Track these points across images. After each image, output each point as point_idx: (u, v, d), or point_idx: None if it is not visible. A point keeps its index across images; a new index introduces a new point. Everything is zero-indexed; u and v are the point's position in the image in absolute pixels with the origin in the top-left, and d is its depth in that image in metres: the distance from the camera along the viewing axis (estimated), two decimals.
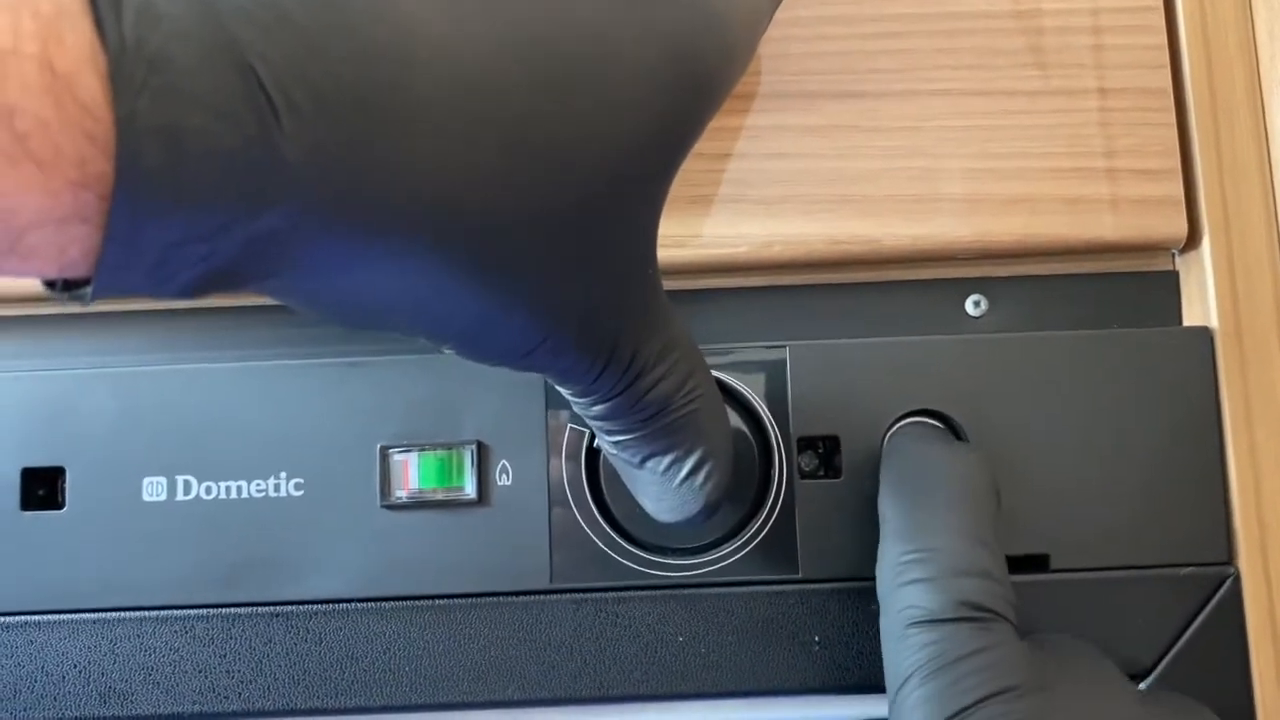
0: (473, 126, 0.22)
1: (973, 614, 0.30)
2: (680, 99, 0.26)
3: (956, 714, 0.29)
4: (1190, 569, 0.35)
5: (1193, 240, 0.37)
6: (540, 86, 0.22)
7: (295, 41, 0.19)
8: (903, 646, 0.30)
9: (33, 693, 0.35)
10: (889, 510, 0.33)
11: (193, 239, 0.20)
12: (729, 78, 0.28)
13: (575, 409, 0.30)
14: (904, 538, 0.31)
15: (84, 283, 0.21)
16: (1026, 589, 0.35)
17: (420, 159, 0.21)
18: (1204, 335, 0.36)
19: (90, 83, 0.18)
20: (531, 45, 0.22)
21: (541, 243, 0.24)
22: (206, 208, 0.19)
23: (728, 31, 0.27)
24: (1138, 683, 0.35)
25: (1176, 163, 0.37)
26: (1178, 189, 0.37)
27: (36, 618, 0.35)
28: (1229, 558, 0.36)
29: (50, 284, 0.22)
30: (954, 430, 0.36)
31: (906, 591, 0.31)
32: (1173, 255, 0.38)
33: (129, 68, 0.18)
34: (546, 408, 0.36)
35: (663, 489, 0.31)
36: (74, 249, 0.20)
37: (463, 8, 0.22)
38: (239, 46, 0.19)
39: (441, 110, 0.21)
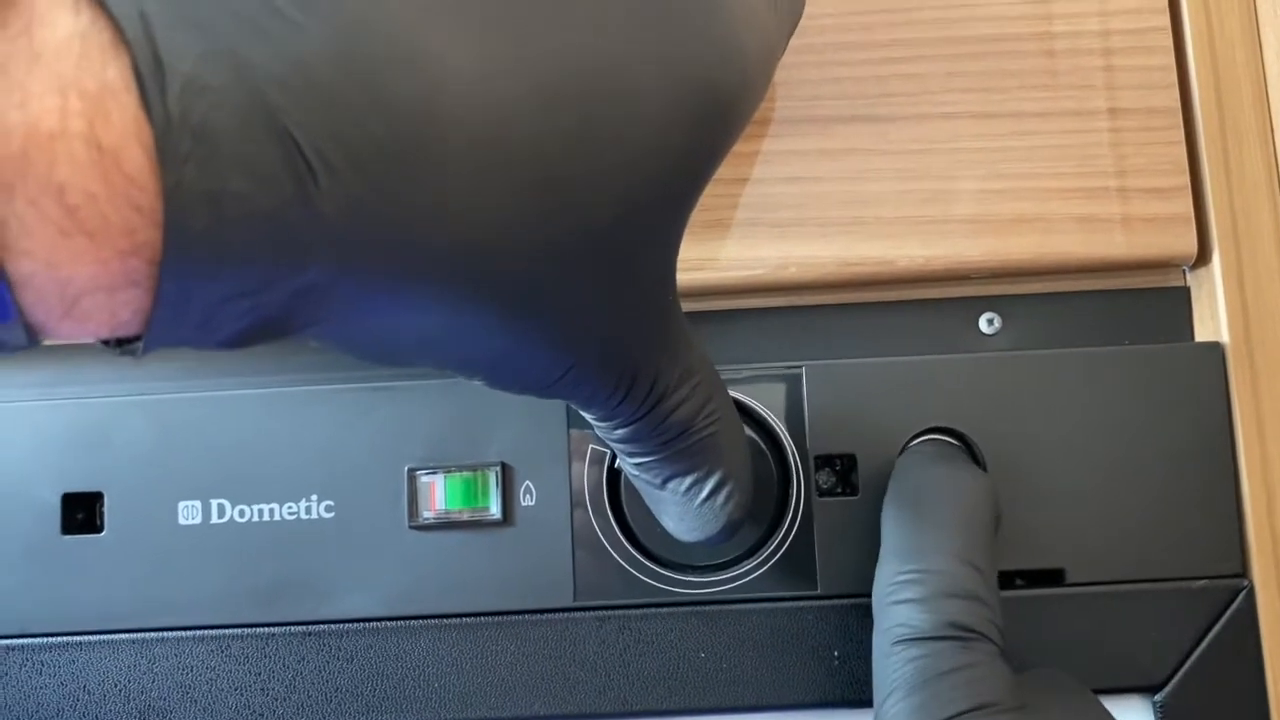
0: (501, 173, 0.22)
1: (958, 634, 0.30)
2: (700, 132, 0.26)
3: None
4: (1204, 582, 0.36)
5: (1203, 256, 0.38)
6: (566, 130, 0.23)
7: (329, 104, 0.20)
8: (889, 662, 0.31)
9: (75, 711, 0.36)
10: (888, 528, 0.33)
11: (237, 296, 0.21)
12: (747, 108, 0.29)
13: (598, 432, 0.31)
14: (899, 557, 0.32)
15: (135, 338, 0.22)
16: (1041, 603, 0.36)
17: (450, 208, 0.22)
18: (1215, 350, 0.37)
19: (135, 155, 0.19)
20: (557, 89, 0.23)
21: (566, 279, 0.25)
22: (250, 267, 0.20)
23: (745, 63, 0.28)
24: (1153, 695, 0.36)
25: (1186, 180, 0.37)
26: (1187, 206, 0.37)
27: (78, 638, 0.36)
28: (1243, 570, 0.36)
29: (104, 341, 0.23)
30: (969, 447, 0.37)
31: (897, 610, 0.31)
32: (1184, 271, 0.39)
33: (175, 140, 0.19)
34: (568, 430, 0.37)
35: (684, 509, 0.32)
36: (125, 311, 0.20)
37: (489, 55, 0.22)
38: (276, 113, 0.19)
39: (470, 160, 0.22)
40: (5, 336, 0.20)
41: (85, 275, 0.19)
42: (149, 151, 0.19)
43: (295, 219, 0.20)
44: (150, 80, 0.18)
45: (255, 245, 0.20)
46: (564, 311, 0.25)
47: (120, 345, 0.22)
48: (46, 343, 0.38)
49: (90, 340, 0.22)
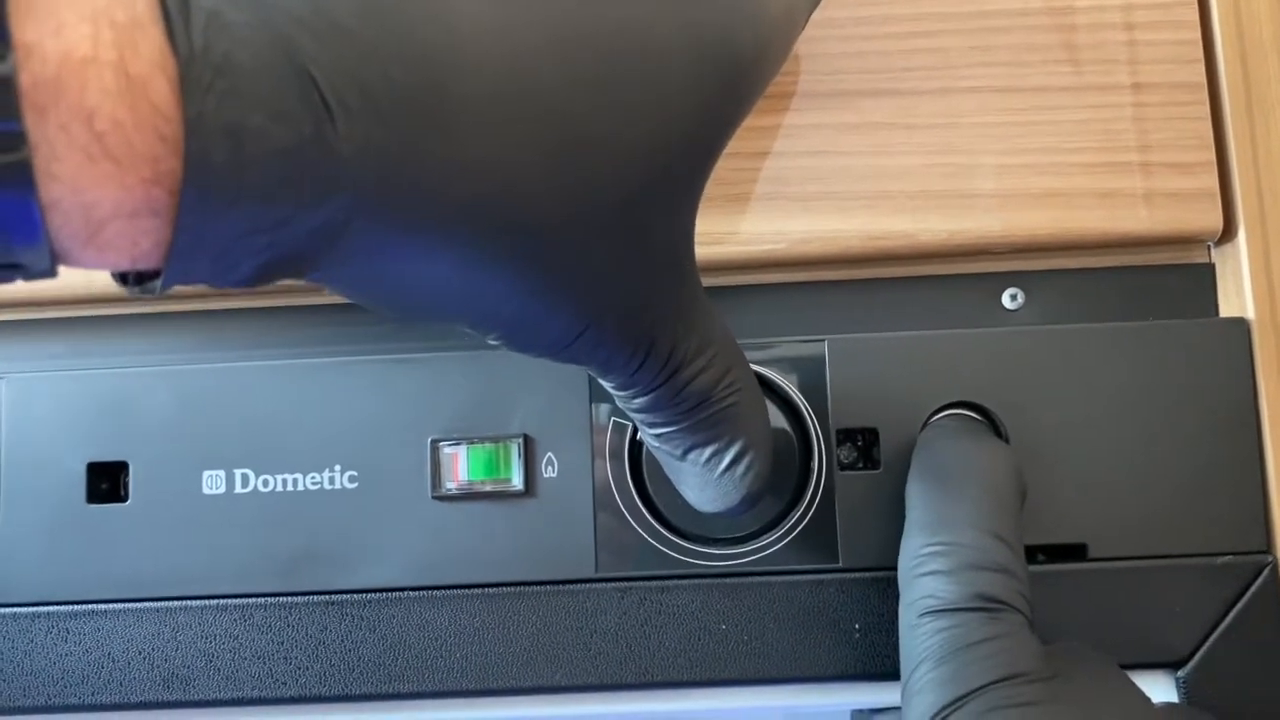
0: (516, 124, 0.23)
1: (986, 605, 0.30)
2: (716, 95, 0.27)
3: (965, 695, 0.29)
4: (1227, 558, 0.36)
5: (1228, 232, 0.37)
6: (582, 84, 0.23)
7: (348, 47, 0.21)
8: (917, 634, 0.31)
9: (100, 678, 0.36)
10: (913, 501, 0.33)
11: (254, 231, 0.21)
12: (763, 75, 0.29)
13: (618, 402, 0.31)
14: (925, 530, 0.32)
15: (153, 275, 0.22)
16: (1064, 578, 0.36)
17: (465, 156, 0.22)
18: (1240, 326, 0.37)
19: (161, 86, 0.19)
20: (574, 43, 0.23)
21: (581, 236, 0.25)
22: (267, 202, 0.21)
23: (763, 30, 0.28)
24: (1175, 671, 0.36)
25: (1211, 156, 0.37)
26: (1213, 182, 0.37)
27: (103, 606, 0.36)
28: (1267, 546, 0.36)
29: (123, 279, 0.23)
30: (991, 421, 0.36)
31: (924, 582, 0.31)
32: (1208, 247, 0.39)
33: (197, 72, 0.19)
34: (590, 402, 0.37)
35: (704, 480, 0.32)
36: (146, 241, 0.21)
37: (509, 8, 0.23)
38: (297, 53, 0.20)
39: (486, 109, 0.22)
40: (30, 260, 0.20)
41: (110, 201, 0.20)
42: (174, 83, 0.19)
43: (312, 158, 0.21)
44: (175, 14, 0.19)
45: (272, 181, 0.21)
46: (578, 269, 0.25)
47: (140, 284, 0.23)
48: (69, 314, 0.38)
49: (111, 269, 0.22)
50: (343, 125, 0.21)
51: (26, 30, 0.18)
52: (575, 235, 0.25)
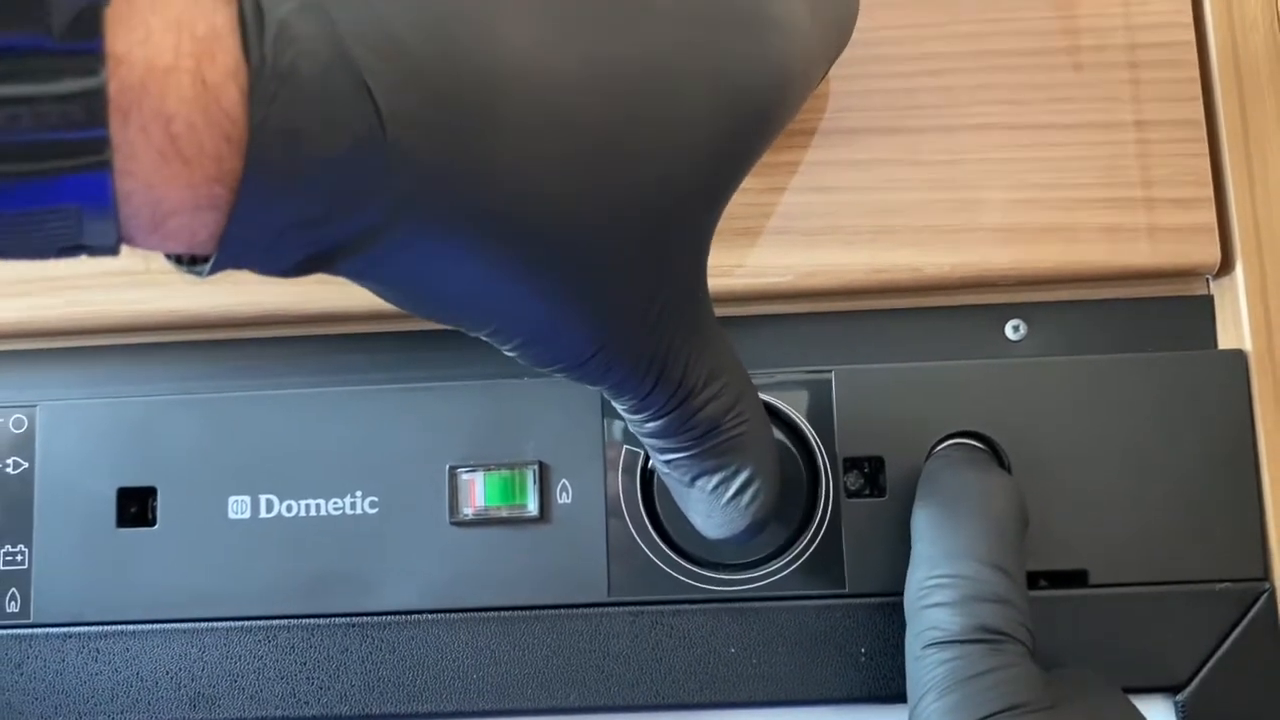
0: (550, 142, 0.24)
1: (988, 636, 0.31)
2: (735, 132, 0.28)
3: None
4: (1226, 585, 0.36)
5: (1226, 266, 0.38)
6: (614, 107, 0.25)
7: (404, 63, 0.22)
8: (922, 665, 0.32)
9: (128, 697, 0.37)
10: (918, 533, 0.34)
11: (303, 226, 0.23)
12: (780, 119, 0.31)
13: (630, 427, 0.32)
14: (930, 562, 0.33)
15: (204, 258, 0.24)
16: (1065, 603, 0.36)
17: (502, 168, 0.24)
18: (1238, 358, 0.38)
19: (232, 93, 0.21)
20: (608, 69, 0.25)
21: (602, 250, 0.26)
22: (317, 200, 0.22)
23: (784, 78, 0.29)
24: (1174, 695, 0.36)
25: (1210, 191, 0.38)
26: (1211, 216, 0.38)
27: (131, 627, 0.38)
28: (1264, 574, 0.37)
29: (176, 259, 0.25)
30: (995, 451, 0.37)
31: (929, 614, 0.32)
32: (1207, 280, 0.39)
33: (265, 81, 0.21)
34: (604, 431, 0.38)
35: (711, 507, 0.33)
36: (204, 232, 0.23)
37: (549, 36, 0.24)
38: (356, 65, 0.22)
39: (524, 126, 0.24)
40: (98, 243, 0.22)
41: (176, 197, 0.22)
42: (243, 90, 0.21)
43: (362, 162, 0.22)
44: (252, 28, 0.21)
45: (324, 182, 0.22)
46: (599, 285, 0.27)
47: (191, 265, 0.24)
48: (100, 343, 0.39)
49: (171, 251, 0.24)
50: (392, 133, 0.22)
51: (118, 41, 0.20)
52: (597, 248, 0.26)
